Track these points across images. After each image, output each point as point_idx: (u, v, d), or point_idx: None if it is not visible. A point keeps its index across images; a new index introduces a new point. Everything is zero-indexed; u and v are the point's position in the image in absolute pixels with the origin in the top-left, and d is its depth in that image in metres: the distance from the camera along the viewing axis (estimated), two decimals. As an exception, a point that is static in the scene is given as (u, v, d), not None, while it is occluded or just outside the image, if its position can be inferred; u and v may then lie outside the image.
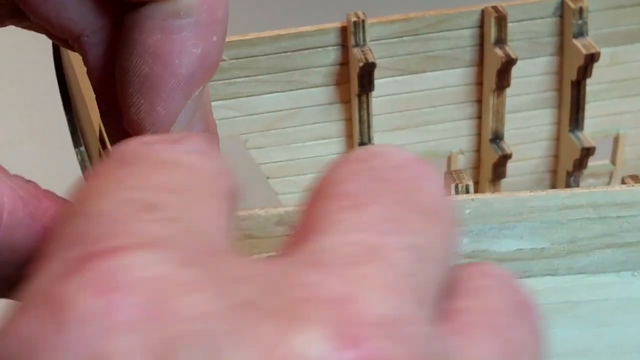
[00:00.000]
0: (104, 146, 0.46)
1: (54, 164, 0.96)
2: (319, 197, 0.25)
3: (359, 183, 0.25)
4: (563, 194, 0.39)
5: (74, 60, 0.43)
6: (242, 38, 0.57)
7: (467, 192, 0.40)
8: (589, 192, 0.39)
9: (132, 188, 0.24)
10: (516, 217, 0.39)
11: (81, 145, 0.38)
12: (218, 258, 0.22)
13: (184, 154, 0.26)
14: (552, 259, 0.40)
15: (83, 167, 0.38)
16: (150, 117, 0.36)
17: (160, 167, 0.25)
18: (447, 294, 0.25)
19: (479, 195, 0.39)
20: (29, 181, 0.36)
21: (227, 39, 0.57)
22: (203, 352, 0.20)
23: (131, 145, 0.26)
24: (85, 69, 0.43)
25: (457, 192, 0.40)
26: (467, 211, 0.39)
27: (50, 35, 0.37)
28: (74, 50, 0.38)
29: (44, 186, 0.37)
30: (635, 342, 0.41)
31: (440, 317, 0.24)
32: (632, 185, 0.39)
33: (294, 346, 0.20)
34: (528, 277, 0.40)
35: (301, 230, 0.24)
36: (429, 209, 0.25)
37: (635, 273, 0.40)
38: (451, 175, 0.41)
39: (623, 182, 0.40)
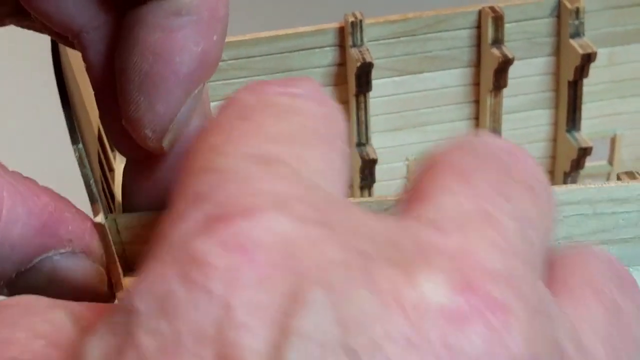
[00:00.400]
0: (102, 144, 0.46)
1: (51, 162, 0.96)
2: (428, 172, 0.26)
3: (466, 160, 0.26)
4: (559, 191, 0.39)
5: (73, 58, 0.43)
6: (240, 39, 0.57)
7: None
8: (584, 188, 0.39)
9: (252, 142, 0.25)
10: (512, 213, 0.39)
11: (79, 143, 0.38)
12: (338, 211, 0.23)
13: (300, 100, 0.27)
14: (548, 255, 0.40)
15: (81, 165, 0.38)
16: (149, 114, 0.36)
17: (277, 115, 0.26)
18: (547, 269, 0.26)
19: (475, 192, 0.39)
20: (26, 178, 0.36)
21: (226, 40, 0.58)
22: (333, 297, 0.20)
23: (248, 93, 0.27)
24: (84, 66, 0.43)
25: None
26: (463, 207, 0.39)
27: (50, 32, 0.37)
28: (73, 47, 0.38)
29: (42, 184, 0.38)
30: (631, 338, 0.41)
31: (546, 285, 0.25)
32: (628, 182, 0.40)
33: (418, 290, 0.21)
34: (524, 273, 0.40)
35: (412, 198, 0.25)
36: (532, 186, 0.26)
37: (631, 269, 0.40)
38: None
39: (618, 178, 0.40)
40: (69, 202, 0.37)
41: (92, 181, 0.38)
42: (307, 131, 0.26)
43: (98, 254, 0.36)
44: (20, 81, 1.10)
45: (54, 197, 0.36)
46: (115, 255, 0.38)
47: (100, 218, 0.37)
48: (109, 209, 0.43)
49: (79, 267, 0.36)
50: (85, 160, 0.38)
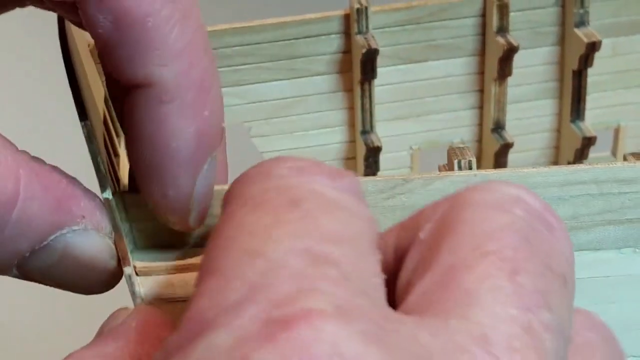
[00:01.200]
0: (107, 128, 0.46)
1: (53, 154, 0.96)
2: (471, 241, 0.25)
3: (509, 241, 0.25)
4: (565, 170, 0.39)
5: (78, 37, 0.43)
6: (246, 25, 0.57)
7: (470, 168, 0.41)
8: (591, 168, 0.39)
9: (303, 235, 0.24)
10: (518, 193, 0.39)
11: (87, 119, 0.38)
12: (393, 325, 0.22)
13: (347, 197, 0.26)
14: (554, 235, 0.40)
15: (89, 141, 0.38)
16: (164, 201, 0.36)
17: (327, 210, 0.25)
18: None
19: (481, 171, 0.39)
20: (35, 157, 0.36)
21: (231, 26, 0.58)
22: None
23: (293, 174, 0.26)
24: (87, 46, 0.43)
25: (460, 168, 0.41)
26: (470, 187, 0.39)
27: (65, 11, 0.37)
28: (81, 26, 0.38)
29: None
30: (636, 319, 0.41)
31: None
32: (634, 162, 0.40)
33: None
34: (530, 253, 0.40)
35: (453, 287, 0.24)
36: (566, 279, 0.26)
37: (637, 249, 0.41)
38: (454, 151, 0.41)
39: (625, 159, 0.40)
40: (77, 180, 0.37)
41: (99, 158, 0.38)
42: (359, 234, 0.25)
43: (107, 231, 0.36)
44: (22, 77, 1.11)
45: (64, 174, 0.36)
46: (122, 231, 0.38)
47: (108, 194, 0.38)
48: (116, 190, 0.43)
49: (91, 244, 0.36)
50: (93, 137, 0.38)
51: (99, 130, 0.41)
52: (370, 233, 0.26)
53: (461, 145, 0.42)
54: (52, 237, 0.35)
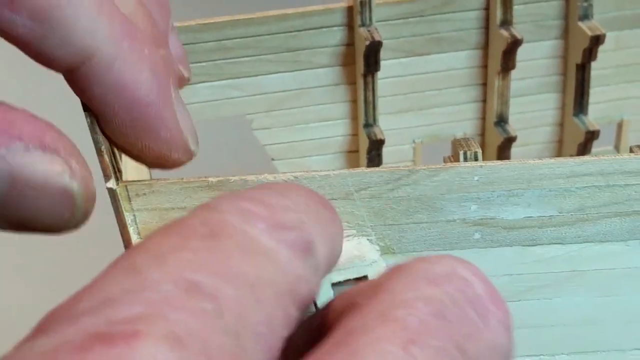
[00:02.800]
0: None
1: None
2: (382, 307, 0.24)
3: (423, 315, 0.24)
4: (572, 162, 0.39)
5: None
6: (247, 17, 0.57)
7: (476, 159, 0.40)
8: (597, 160, 0.39)
9: (199, 267, 0.23)
10: (524, 184, 0.39)
11: (89, 109, 0.38)
12: None
13: (281, 247, 0.25)
14: (560, 227, 0.40)
15: (93, 131, 0.38)
16: (164, 143, 0.37)
17: (244, 252, 0.24)
18: None
19: (487, 163, 0.39)
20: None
21: (233, 18, 0.57)
22: None
23: (235, 213, 0.25)
24: None
25: (465, 159, 0.40)
26: (476, 178, 0.39)
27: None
28: None
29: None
30: (642, 311, 0.41)
31: None
32: (641, 154, 0.39)
33: None
34: (536, 245, 0.40)
35: (342, 349, 0.23)
36: (486, 357, 0.25)
37: (644, 242, 0.40)
38: (459, 142, 0.41)
39: (631, 151, 0.40)
40: (7, 104, 0.36)
41: (103, 147, 0.38)
42: (268, 283, 0.24)
43: (62, 152, 0.35)
44: (22, 65, 1.10)
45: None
46: (127, 221, 0.37)
47: (111, 184, 0.37)
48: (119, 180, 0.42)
49: (39, 164, 0.34)
50: (97, 127, 0.38)
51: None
52: (287, 288, 0.25)
53: (466, 137, 0.42)
54: None
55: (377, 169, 0.39)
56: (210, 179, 0.38)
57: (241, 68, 0.58)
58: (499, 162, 0.39)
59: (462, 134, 0.64)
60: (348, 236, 0.39)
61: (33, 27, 0.33)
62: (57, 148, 0.34)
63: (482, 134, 0.64)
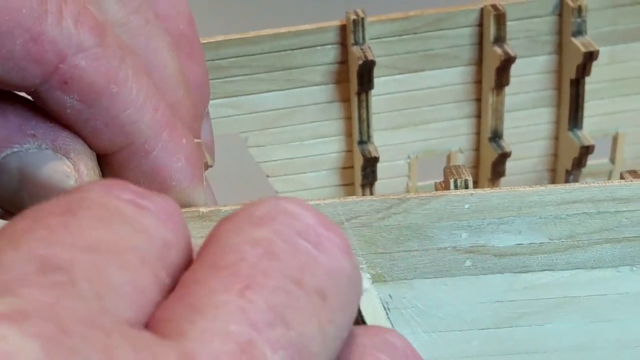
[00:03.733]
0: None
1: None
2: (212, 258, 0.25)
3: (252, 258, 0.24)
4: (562, 189, 0.39)
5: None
6: (241, 36, 0.57)
7: (467, 187, 0.40)
8: (587, 187, 0.39)
9: (52, 242, 0.23)
10: (515, 212, 0.39)
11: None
12: (90, 338, 0.21)
13: (145, 213, 0.25)
14: (551, 254, 0.40)
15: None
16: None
17: (103, 221, 0.24)
18: None
19: (478, 190, 0.39)
20: None
21: (226, 38, 0.57)
22: None
23: (100, 189, 0.25)
24: None
25: (456, 187, 0.40)
26: (466, 206, 0.39)
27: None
28: None
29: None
30: (634, 337, 0.41)
31: None
32: (631, 181, 0.39)
33: None
34: (527, 272, 0.40)
35: (180, 305, 0.24)
36: (324, 290, 0.25)
37: (634, 268, 0.40)
38: (450, 170, 0.41)
39: (622, 177, 0.40)
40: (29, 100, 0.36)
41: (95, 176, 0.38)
42: (131, 249, 0.24)
43: (69, 154, 0.35)
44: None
45: (15, 95, 0.36)
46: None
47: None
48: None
49: (46, 163, 0.35)
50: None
51: None
52: (153, 252, 0.25)
53: (457, 165, 0.42)
54: (3, 154, 0.34)
55: (367, 197, 0.39)
56: (202, 209, 0.38)
57: (235, 87, 0.58)
58: (490, 190, 0.39)
59: (457, 149, 0.64)
60: (339, 265, 0.39)
61: (81, 109, 0.34)
62: (67, 150, 0.35)
63: (477, 149, 0.64)
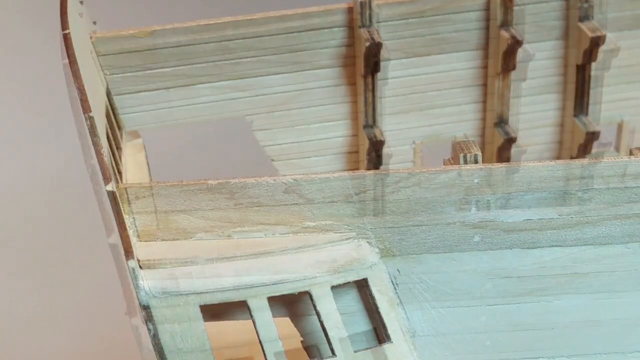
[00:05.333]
0: (110, 121, 0.46)
1: (56, 159, 0.96)
2: None
3: None
4: (572, 164, 0.39)
5: (81, 28, 0.43)
6: (249, 18, 0.57)
7: (476, 161, 0.40)
8: (597, 162, 0.39)
9: None
10: (525, 187, 0.39)
11: (90, 111, 0.38)
12: None
13: None
14: (560, 229, 0.40)
15: (92, 133, 0.38)
16: None
17: None
18: None
19: (487, 165, 0.39)
20: None
21: (234, 19, 0.57)
22: None
23: None
24: (90, 38, 0.43)
25: (465, 162, 0.40)
26: (476, 180, 0.39)
27: None
28: None
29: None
30: (642, 314, 0.41)
31: None
32: (641, 157, 0.39)
33: None
34: (536, 247, 0.40)
35: None
36: None
37: (645, 244, 0.40)
38: (459, 145, 0.41)
39: (631, 153, 0.40)
40: None
41: (103, 149, 0.38)
42: None
43: None
44: (22, 79, 1.10)
45: None
46: (127, 223, 0.37)
47: (111, 186, 0.37)
48: (119, 182, 0.42)
49: None
50: (96, 129, 0.38)
51: (102, 123, 0.41)
52: None
53: (467, 139, 0.42)
54: None
55: (377, 171, 0.39)
56: (210, 182, 0.38)
57: (242, 68, 0.58)
58: (499, 165, 0.39)
59: (463, 134, 0.64)
60: (348, 239, 0.39)
61: None
62: None
63: (482, 134, 0.64)
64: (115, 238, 0.38)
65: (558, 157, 0.66)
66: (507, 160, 0.63)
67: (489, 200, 0.39)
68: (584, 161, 0.39)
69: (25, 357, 0.83)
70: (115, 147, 0.46)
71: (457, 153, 0.41)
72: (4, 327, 0.84)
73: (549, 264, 0.40)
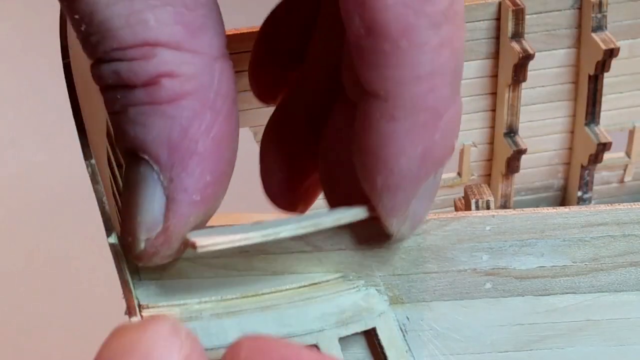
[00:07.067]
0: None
1: (56, 162, 0.95)
2: None
3: None
4: (586, 212, 0.38)
5: (83, 62, 0.42)
6: (253, 30, 0.56)
7: (488, 207, 0.39)
8: (612, 209, 0.38)
9: None
10: (537, 234, 0.38)
11: (92, 158, 0.37)
12: None
13: None
14: (574, 277, 0.39)
15: (94, 181, 0.37)
16: (383, 211, 0.36)
17: None
18: None
19: (499, 212, 0.38)
20: None
21: (238, 32, 0.56)
22: None
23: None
24: (94, 87, 0.42)
25: (477, 208, 0.39)
26: (488, 228, 0.38)
27: None
28: None
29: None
30: (657, 362, 0.40)
31: None
32: (657, 203, 0.38)
33: None
34: (549, 295, 0.39)
35: None
36: None
37: (659, 291, 0.40)
38: (471, 189, 0.40)
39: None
40: None
41: (104, 198, 0.37)
42: None
43: None
44: (25, 83, 1.09)
45: None
46: (129, 277, 0.37)
47: (113, 239, 0.36)
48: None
49: None
50: (98, 177, 0.37)
51: (104, 168, 0.40)
52: None
53: (479, 184, 0.41)
54: None
55: (386, 218, 0.38)
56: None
57: (246, 81, 0.57)
58: (511, 212, 0.38)
59: (471, 143, 0.62)
60: (356, 287, 0.38)
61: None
62: None
63: (491, 143, 0.63)
64: (115, 238, 0.37)
65: (568, 164, 0.65)
66: (516, 170, 0.62)
67: (501, 248, 0.38)
68: (599, 208, 0.38)
69: (25, 357, 0.83)
70: (115, 165, 0.45)
71: (469, 198, 0.39)
72: (4, 327, 0.84)
73: (562, 311, 0.39)
